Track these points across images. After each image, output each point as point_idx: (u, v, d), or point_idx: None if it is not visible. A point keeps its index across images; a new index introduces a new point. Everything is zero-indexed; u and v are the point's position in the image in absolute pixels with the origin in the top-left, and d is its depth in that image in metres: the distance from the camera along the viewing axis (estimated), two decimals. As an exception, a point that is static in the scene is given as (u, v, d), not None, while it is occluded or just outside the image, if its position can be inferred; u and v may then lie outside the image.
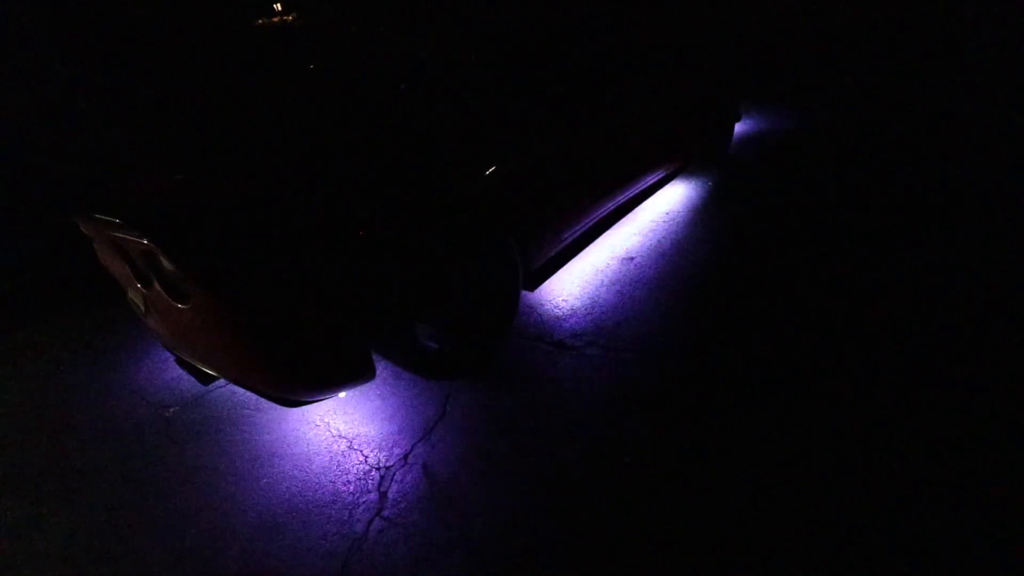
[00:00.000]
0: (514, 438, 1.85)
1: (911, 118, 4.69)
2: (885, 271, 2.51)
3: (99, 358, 2.79)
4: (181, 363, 2.02)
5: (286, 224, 1.57)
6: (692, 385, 1.98)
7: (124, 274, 1.85)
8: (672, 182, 3.71)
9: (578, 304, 2.58)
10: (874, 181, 3.52)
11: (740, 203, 3.51)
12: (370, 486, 1.75)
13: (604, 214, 2.83)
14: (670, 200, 3.65)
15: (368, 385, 2.09)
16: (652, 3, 4.51)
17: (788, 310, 2.32)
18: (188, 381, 2.37)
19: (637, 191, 3.12)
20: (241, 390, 2.23)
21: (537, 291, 2.60)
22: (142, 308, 1.90)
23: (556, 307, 2.58)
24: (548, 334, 2.39)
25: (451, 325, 2.06)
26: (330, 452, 1.91)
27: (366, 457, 1.87)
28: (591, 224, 2.73)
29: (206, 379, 1.91)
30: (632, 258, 2.94)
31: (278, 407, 1.98)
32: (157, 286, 1.61)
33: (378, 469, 1.81)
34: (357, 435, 1.97)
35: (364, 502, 1.70)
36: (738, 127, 4.51)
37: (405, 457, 1.85)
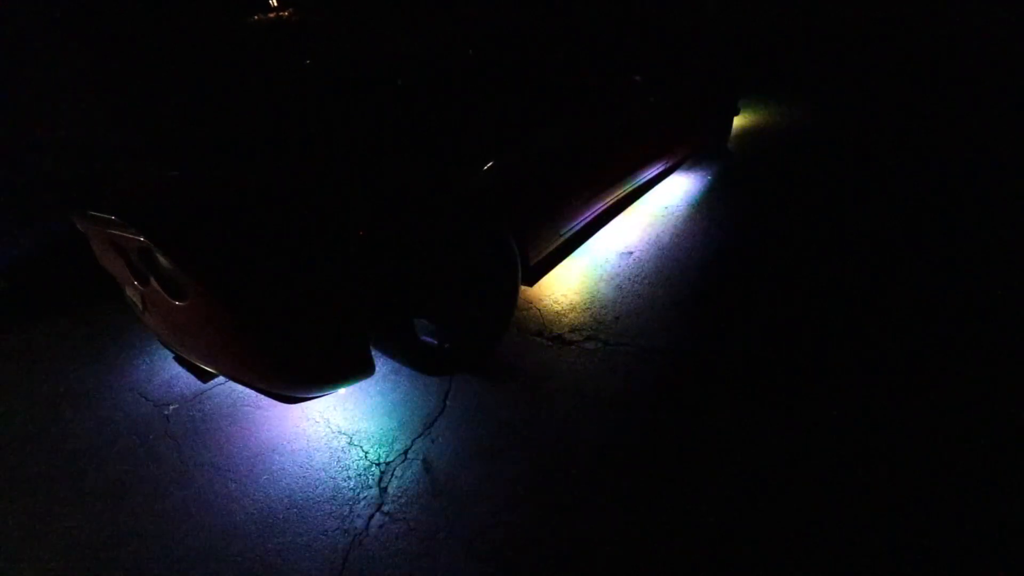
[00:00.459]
0: (514, 433, 1.86)
1: (911, 114, 4.68)
2: (885, 266, 2.51)
3: (98, 356, 2.79)
4: (180, 360, 2.02)
5: (283, 220, 1.57)
6: (691, 380, 1.98)
7: (121, 272, 1.84)
8: (671, 176, 3.71)
9: (577, 299, 2.58)
10: (873, 176, 3.51)
11: (739, 197, 3.50)
12: (370, 482, 1.75)
13: (603, 209, 2.82)
14: (669, 194, 3.64)
15: (368, 381, 2.09)
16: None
17: (788, 305, 2.32)
18: (187, 378, 2.37)
19: (635, 185, 3.12)
20: (240, 387, 2.22)
21: (536, 286, 2.60)
22: (140, 306, 1.89)
23: (555, 302, 2.58)
24: (547, 329, 2.38)
25: (450, 321, 2.06)
26: (330, 448, 1.92)
27: (366, 453, 1.87)
28: (590, 219, 2.72)
29: (205, 376, 1.91)
30: (631, 253, 2.94)
31: (277, 404, 1.97)
32: (154, 283, 1.61)
33: (378, 465, 1.82)
34: (357, 431, 1.97)
35: (364, 497, 1.70)
36: (736, 121, 4.50)
37: (405, 453, 1.85)
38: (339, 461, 1.85)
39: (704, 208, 3.40)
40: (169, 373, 2.50)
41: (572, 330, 2.35)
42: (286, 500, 1.73)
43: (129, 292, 1.95)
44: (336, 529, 1.61)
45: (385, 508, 1.65)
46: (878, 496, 1.47)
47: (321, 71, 2.54)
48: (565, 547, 1.46)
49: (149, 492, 1.87)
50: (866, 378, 1.86)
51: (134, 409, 2.32)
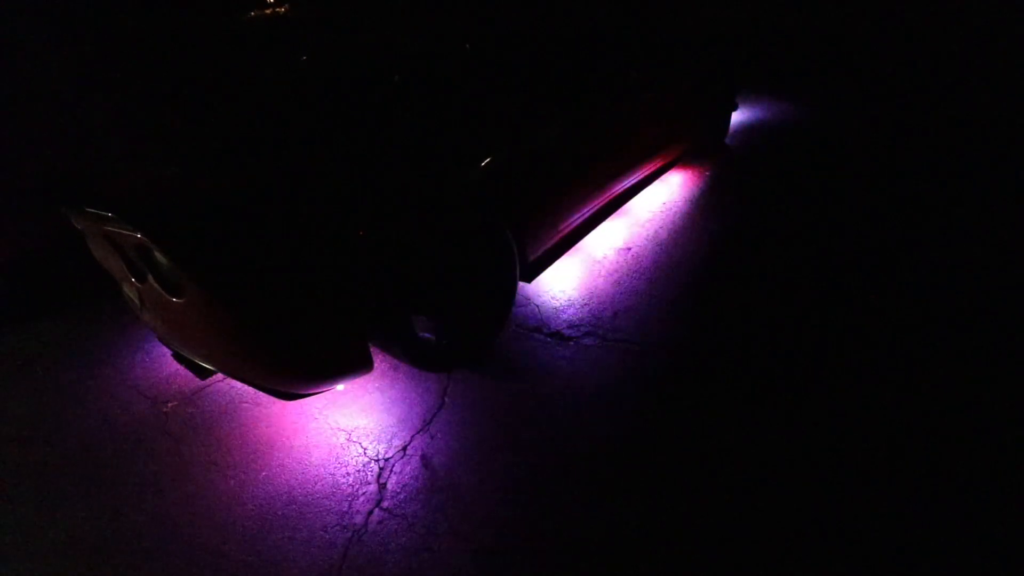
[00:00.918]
0: (512, 429, 1.86)
1: (909, 111, 4.68)
2: (884, 263, 2.51)
3: (95, 354, 2.78)
4: (178, 358, 2.02)
5: (281, 216, 1.56)
6: (690, 376, 1.98)
7: (118, 269, 1.84)
8: (669, 172, 3.70)
9: (575, 295, 2.58)
10: (872, 172, 3.52)
11: (737, 193, 3.50)
12: (369, 478, 1.76)
13: (601, 204, 2.82)
14: (667, 190, 3.64)
15: (366, 377, 2.09)
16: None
17: (786, 301, 2.32)
18: (185, 376, 2.36)
19: (634, 181, 3.11)
20: (239, 384, 2.22)
21: (534, 282, 2.60)
22: (137, 303, 1.89)
23: (553, 298, 2.58)
24: (546, 325, 2.39)
25: (449, 317, 2.06)
26: (329, 444, 1.92)
27: (365, 449, 1.87)
28: (588, 214, 2.72)
29: (203, 373, 1.91)
30: (629, 248, 2.94)
31: (276, 400, 1.97)
32: (152, 280, 1.60)
33: (377, 461, 1.82)
34: (356, 427, 1.98)
35: (363, 493, 1.70)
36: (735, 117, 4.49)
37: (404, 449, 1.85)
38: (338, 457, 1.86)
39: (702, 204, 3.40)
40: (167, 370, 2.50)
41: (570, 326, 2.35)
42: (285, 496, 1.74)
43: (127, 289, 1.94)
44: (335, 525, 1.61)
45: (384, 504, 1.65)
46: (878, 496, 1.47)
47: (317, 68, 2.53)
48: (563, 543, 1.46)
49: (147, 489, 1.87)
50: (864, 376, 1.87)
51: (132, 406, 2.32)
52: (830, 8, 8.01)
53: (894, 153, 3.77)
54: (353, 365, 1.72)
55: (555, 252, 2.50)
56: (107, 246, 1.76)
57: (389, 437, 1.91)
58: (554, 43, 2.57)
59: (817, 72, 6.38)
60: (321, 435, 1.97)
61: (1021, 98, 4.58)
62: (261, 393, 1.76)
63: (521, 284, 2.45)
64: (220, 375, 2.18)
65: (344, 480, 1.76)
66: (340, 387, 2.11)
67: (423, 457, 1.80)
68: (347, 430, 1.97)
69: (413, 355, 1.96)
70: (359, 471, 1.79)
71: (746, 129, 4.67)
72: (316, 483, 1.77)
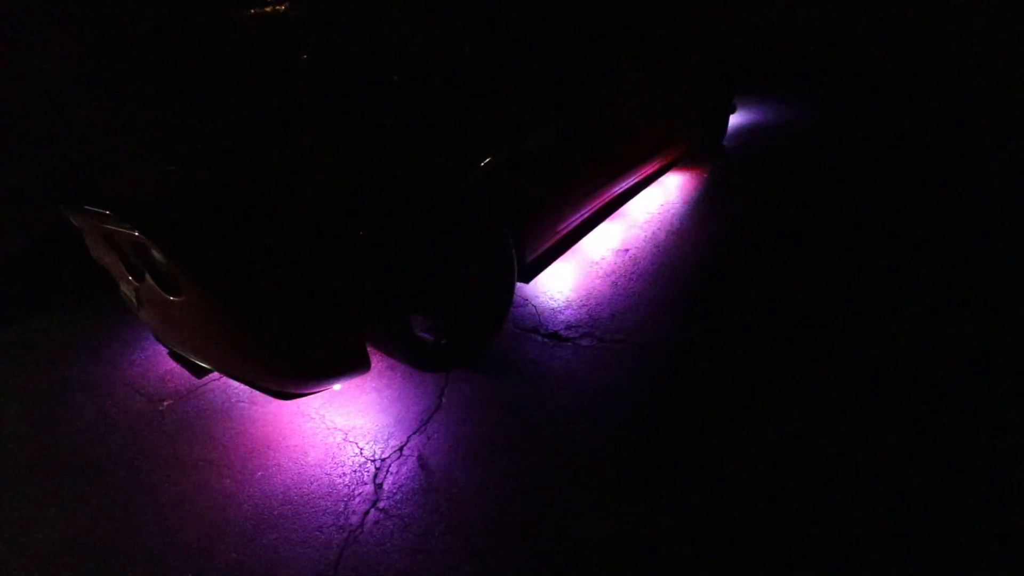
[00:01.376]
0: (509, 430, 1.86)
1: (908, 113, 4.70)
2: (884, 264, 2.52)
3: (92, 352, 2.78)
4: (174, 356, 2.01)
5: (279, 216, 1.56)
6: (687, 377, 1.98)
7: (116, 267, 1.83)
8: (667, 173, 3.71)
9: (573, 296, 2.58)
10: (871, 174, 3.52)
11: (735, 195, 3.51)
12: (365, 478, 1.75)
13: (599, 205, 2.82)
14: (665, 192, 3.64)
15: (363, 377, 2.09)
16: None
17: (785, 303, 2.33)
18: (182, 374, 2.36)
19: (632, 182, 3.12)
20: (235, 383, 2.22)
21: (532, 283, 2.60)
22: (134, 301, 1.88)
23: (551, 299, 2.58)
24: (543, 326, 2.39)
25: (446, 317, 2.06)
26: (325, 444, 1.91)
27: (361, 449, 1.87)
28: (586, 216, 2.73)
29: (200, 372, 1.90)
30: (627, 250, 2.94)
31: (272, 400, 1.97)
32: (149, 279, 1.60)
33: (373, 461, 1.82)
34: (352, 427, 1.97)
35: (359, 494, 1.70)
36: (733, 119, 4.50)
37: (400, 449, 1.85)
38: (334, 457, 1.85)
39: (700, 206, 3.40)
40: (164, 369, 2.49)
41: (568, 327, 2.35)
42: (281, 496, 1.73)
43: (124, 287, 1.94)
44: (331, 525, 1.61)
45: (380, 504, 1.65)
46: (878, 496, 1.48)
47: (317, 67, 2.53)
48: (561, 544, 1.46)
49: (143, 488, 1.86)
50: (864, 376, 1.88)
51: (128, 404, 2.31)
52: (830, 8, 8.03)
53: (893, 154, 3.78)
54: (350, 365, 1.72)
55: (553, 253, 2.50)
56: (105, 244, 1.76)
57: (386, 437, 1.91)
58: (552, 44, 2.57)
59: (816, 73, 6.39)
60: (317, 435, 1.96)
61: (1021, 98, 4.60)
62: (257, 392, 1.76)
63: (519, 285, 2.45)
64: (217, 374, 2.18)
65: (340, 480, 1.76)
66: (337, 387, 2.10)
67: (420, 457, 1.80)
68: (344, 430, 1.97)
69: (411, 355, 1.96)
70: (355, 471, 1.79)
71: (744, 131, 4.68)
72: (312, 483, 1.77)
